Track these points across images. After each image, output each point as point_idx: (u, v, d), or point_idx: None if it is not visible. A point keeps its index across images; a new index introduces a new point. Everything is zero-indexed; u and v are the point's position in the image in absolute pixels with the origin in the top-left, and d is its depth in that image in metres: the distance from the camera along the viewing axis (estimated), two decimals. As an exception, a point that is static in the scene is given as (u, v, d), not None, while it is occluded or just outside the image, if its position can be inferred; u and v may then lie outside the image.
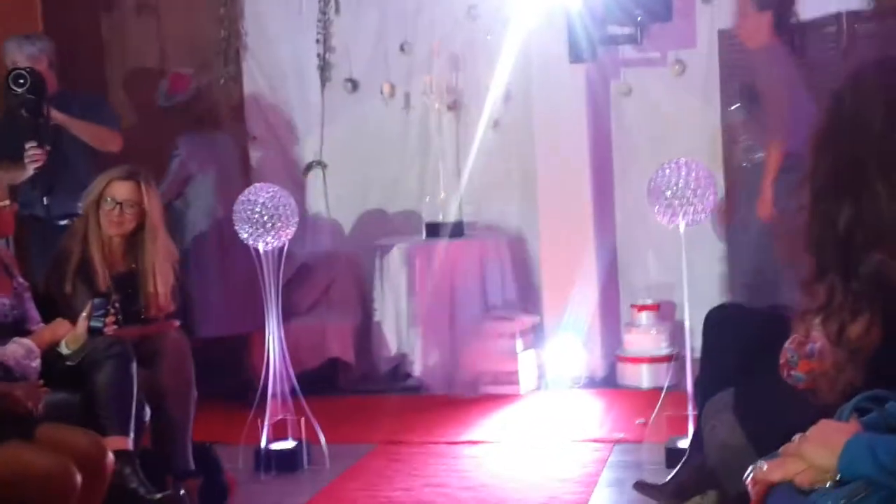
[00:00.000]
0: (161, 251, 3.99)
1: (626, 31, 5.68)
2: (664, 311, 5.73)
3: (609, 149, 6.03)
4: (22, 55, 4.92)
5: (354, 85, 6.32)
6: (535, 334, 5.74)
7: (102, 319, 3.54)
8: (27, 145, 4.63)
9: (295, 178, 6.34)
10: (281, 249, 4.55)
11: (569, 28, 5.52)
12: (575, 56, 5.61)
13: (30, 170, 4.65)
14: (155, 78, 6.44)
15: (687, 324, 4.40)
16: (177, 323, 4.06)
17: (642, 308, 5.71)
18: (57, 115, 4.76)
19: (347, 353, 5.78)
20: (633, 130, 5.99)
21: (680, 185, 4.36)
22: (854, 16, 5.36)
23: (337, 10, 6.26)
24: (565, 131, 5.70)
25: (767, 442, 2.09)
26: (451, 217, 5.90)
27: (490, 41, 5.52)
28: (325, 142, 6.38)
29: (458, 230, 5.87)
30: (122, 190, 3.95)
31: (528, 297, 6.02)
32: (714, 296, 5.16)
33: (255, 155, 6.44)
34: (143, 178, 3.99)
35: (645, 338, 5.63)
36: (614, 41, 5.79)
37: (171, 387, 3.79)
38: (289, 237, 4.57)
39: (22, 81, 4.60)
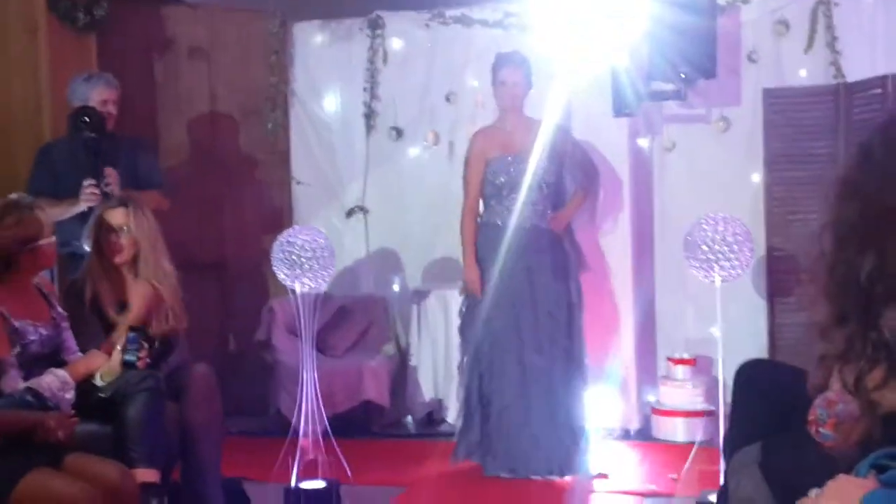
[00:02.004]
0: (154, 271, 3.99)
1: (672, 87, 5.58)
2: (701, 366, 5.67)
3: (650, 202, 6.02)
4: (98, 93, 4.99)
5: (399, 133, 6.36)
6: (570, 384, 5.64)
7: (136, 353, 3.56)
8: (85, 183, 4.69)
9: (337, 222, 6.40)
10: (318, 291, 4.58)
11: (613, 82, 5.48)
12: (619, 110, 5.59)
13: (83, 206, 4.70)
14: (205, 121, 6.55)
15: (721, 379, 4.36)
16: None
17: (679, 361, 5.66)
18: (113, 182, 4.76)
19: (382, 396, 5.74)
20: (675, 185, 5.97)
21: (717, 240, 4.37)
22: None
23: (385, 61, 6.32)
24: (607, 184, 5.69)
25: (792, 498, 2.05)
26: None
27: (534, 95, 5.46)
28: (368, 188, 6.42)
29: (496, 278, 5.82)
30: (114, 217, 4.00)
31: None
32: (751, 351, 5.01)
33: (298, 198, 6.53)
34: (131, 203, 4.04)
35: (681, 391, 5.56)
36: (659, 97, 5.73)
37: (199, 421, 3.79)
38: (327, 279, 4.62)
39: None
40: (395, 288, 6.36)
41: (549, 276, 4.95)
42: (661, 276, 6.03)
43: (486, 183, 5.02)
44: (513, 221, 4.97)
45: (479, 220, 5.06)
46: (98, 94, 4.98)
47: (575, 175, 5.25)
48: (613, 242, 5.77)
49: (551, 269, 4.97)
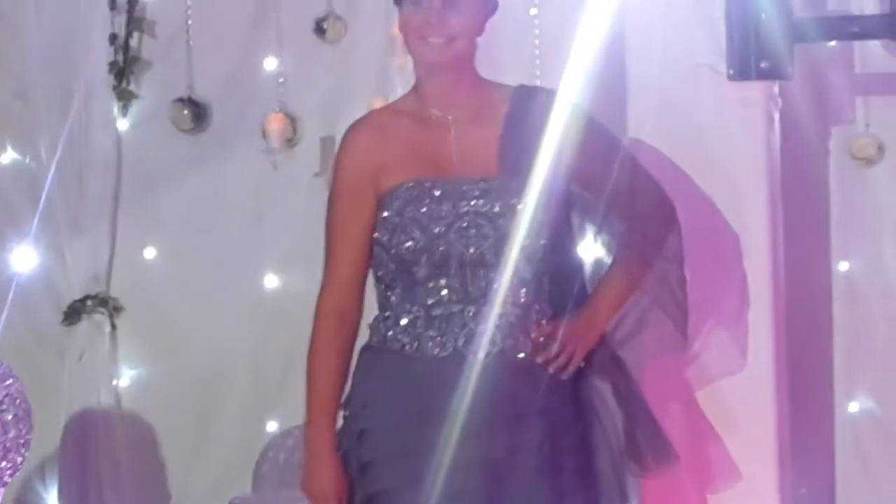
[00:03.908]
0: None
1: (870, 5, 5.78)
2: None
3: (825, 288, 5.93)
4: None
5: (199, 113, 6.34)
6: None
7: None
8: None
9: (43, 332, 6.46)
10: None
11: (728, 8, 5.42)
12: (742, 66, 5.43)
13: None
14: None
15: None
16: None
17: None
18: None
19: None
20: (887, 244, 5.94)
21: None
22: None
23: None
24: (711, 243, 5.35)
25: None
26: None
27: (533, 18, 5.67)
28: (120, 249, 6.45)
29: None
30: None
31: None
32: None
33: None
34: None
35: None
36: (837, 32, 5.69)
37: None
38: (9, 477, 4.97)
39: None
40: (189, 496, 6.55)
41: (537, 477, 4.53)
42: (846, 461, 6.09)
43: (379, 251, 4.57)
44: (443, 347, 4.51)
45: (368, 341, 4.70)
46: None
47: (615, 222, 4.87)
48: (731, 385, 5.38)
49: (542, 462, 4.57)
